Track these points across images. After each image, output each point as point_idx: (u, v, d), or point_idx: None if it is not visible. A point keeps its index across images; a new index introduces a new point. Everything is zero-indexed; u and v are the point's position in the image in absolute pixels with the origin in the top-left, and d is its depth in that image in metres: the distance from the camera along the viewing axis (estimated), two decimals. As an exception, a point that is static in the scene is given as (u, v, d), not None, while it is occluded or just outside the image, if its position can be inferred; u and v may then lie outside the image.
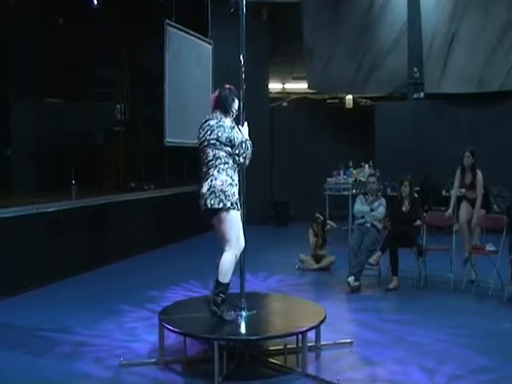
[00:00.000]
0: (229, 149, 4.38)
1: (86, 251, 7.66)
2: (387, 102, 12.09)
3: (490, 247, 6.63)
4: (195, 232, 10.09)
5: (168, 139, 9.74)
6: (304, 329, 4.25)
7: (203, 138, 4.45)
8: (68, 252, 7.26)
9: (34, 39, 10.07)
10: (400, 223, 6.91)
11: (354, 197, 8.08)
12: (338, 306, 6.01)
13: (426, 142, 11.23)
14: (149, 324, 5.24)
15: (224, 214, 4.34)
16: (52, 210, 7.13)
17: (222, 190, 4.31)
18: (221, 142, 4.37)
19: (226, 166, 4.38)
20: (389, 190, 10.52)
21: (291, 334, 4.32)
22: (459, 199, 7.27)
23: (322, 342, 4.64)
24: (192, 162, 10.32)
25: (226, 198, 4.31)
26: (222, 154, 4.37)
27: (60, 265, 7.09)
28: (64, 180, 9.89)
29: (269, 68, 12.90)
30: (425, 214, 7.28)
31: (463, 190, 7.19)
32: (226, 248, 4.40)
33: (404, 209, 6.99)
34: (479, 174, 6.91)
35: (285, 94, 13.68)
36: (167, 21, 9.72)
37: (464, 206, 7.11)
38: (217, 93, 4.58)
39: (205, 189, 4.36)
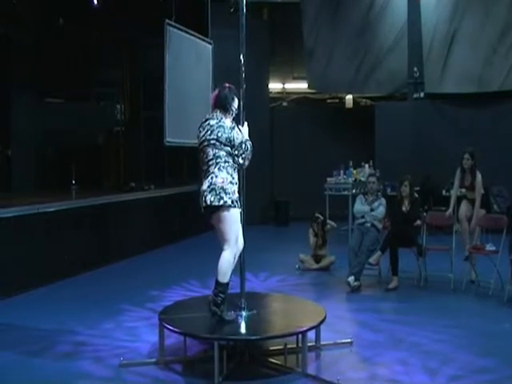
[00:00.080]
0: (228, 149, 4.38)
1: (85, 251, 7.66)
2: (387, 102, 12.08)
3: (490, 247, 6.63)
4: (195, 232, 10.09)
5: (168, 139, 9.74)
6: (304, 329, 4.25)
7: (203, 138, 4.44)
8: (68, 252, 7.26)
9: (34, 39, 10.08)
10: (400, 223, 6.91)
11: (354, 197, 8.08)
12: (338, 306, 6.01)
13: (426, 142, 11.23)
14: (149, 324, 5.24)
15: (224, 212, 4.33)
16: (52, 209, 7.13)
17: (222, 188, 4.31)
18: (221, 142, 4.36)
19: (227, 164, 4.38)
20: (389, 190, 10.52)
21: (291, 334, 4.32)
22: (459, 198, 7.28)
23: (322, 342, 4.64)
24: (192, 162, 10.32)
25: (226, 195, 4.30)
26: (222, 153, 4.37)
27: (60, 265, 7.09)
28: (64, 180, 9.91)
29: (269, 68, 12.90)
30: (425, 214, 7.28)
31: (463, 190, 7.20)
32: (225, 247, 4.40)
33: (404, 209, 6.99)
34: (479, 175, 6.90)
35: (285, 93, 13.67)
36: (167, 21, 9.71)
37: (464, 204, 7.11)
38: (217, 92, 4.58)
39: (205, 186, 4.36)
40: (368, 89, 12.23)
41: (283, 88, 13.64)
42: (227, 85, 4.59)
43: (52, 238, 7.06)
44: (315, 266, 7.90)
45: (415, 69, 11.42)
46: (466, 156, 6.93)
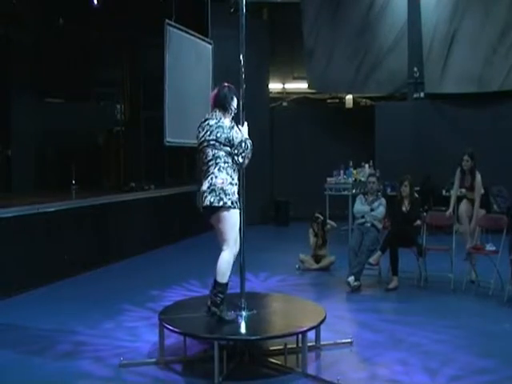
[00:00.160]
0: (228, 149, 4.37)
1: (85, 251, 7.66)
2: (387, 102, 12.08)
3: (490, 247, 6.62)
4: (195, 232, 10.09)
5: (168, 139, 9.74)
6: (304, 329, 4.25)
7: (203, 138, 4.44)
8: (68, 252, 7.26)
9: (34, 39, 10.09)
10: (400, 223, 6.91)
11: (354, 197, 8.08)
12: (338, 306, 6.01)
13: (425, 141, 11.23)
14: (149, 323, 5.24)
15: (224, 213, 4.33)
16: (52, 209, 7.13)
17: (222, 189, 4.31)
18: (220, 143, 4.36)
19: (226, 164, 4.37)
20: (389, 190, 10.53)
21: (291, 334, 4.32)
22: (459, 198, 7.27)
23: (322, 342, 4.64)
24: (192, 162, 10.32)
25: (225, 196, 4.30)
26: (222, 153, 4.37)
27: (60, 265, 7.09)
28: (64, 180, 9.92)
29: (269, 68, 12.90)
30: (425, 214, 7.28)
31: (463, 190, 7.20)
32: (224, 247, 4.40)
33: (404, 209, 6.99)
34: (478, 176, 6.88)
35: (285, 94, 13.67)
36: (167, 21, 9.72)
37: (464, 203, 7.11)
38: (216, 91, 4.58)
39: (205, 186, 4.36)
40: (368, 89, 12.23)
41: (283, 88, 13.64)
42: (226, 84, 4.59)
43: (52, 238, 7.06)
44: (315, 266, 7.90)
45: (415, 69, 11.42)
46: (466, 157, 6.92)
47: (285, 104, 13.57)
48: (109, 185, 10.53)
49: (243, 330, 4.44)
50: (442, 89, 11.40)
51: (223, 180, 4.32)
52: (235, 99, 4.57)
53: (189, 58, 10.46)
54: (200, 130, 4.49)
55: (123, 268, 8.02)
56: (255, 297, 5.17)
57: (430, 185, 10.81)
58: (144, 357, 4.53)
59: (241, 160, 4.41)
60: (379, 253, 6.77)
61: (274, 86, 13.41)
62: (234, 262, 4.50)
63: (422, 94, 11.52)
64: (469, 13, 11.15)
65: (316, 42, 12.24)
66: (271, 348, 4.56)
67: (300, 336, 4.28)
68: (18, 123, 9.81)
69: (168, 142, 9.77)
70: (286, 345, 4.42)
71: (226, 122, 4.45)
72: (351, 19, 11.99)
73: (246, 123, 4.62)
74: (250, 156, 4.45)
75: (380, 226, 7.07)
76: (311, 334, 4.47)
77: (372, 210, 7.09)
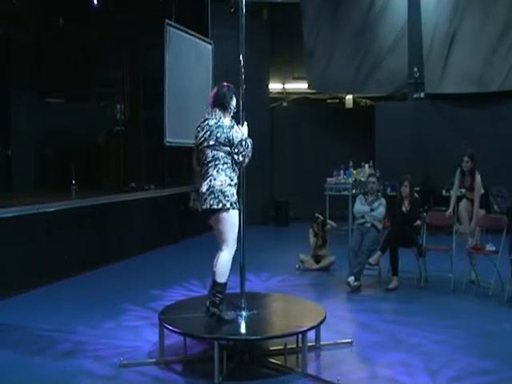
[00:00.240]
0: (228, 148, 4.37)
1: (85, 251, 7.66)
2: (387, 102, 12.08)
3: (490, 247, 6.63)
4: (195, 232, 10.09)
5: (168, 139, 9.74)
6: (304, 329, 4.25)
7: (202, 139, 4.43)
8: (68, 252, 7.26)
9: (34, 39, 10.09)
10: (400, 223, 6.91)
11: (354, 197, 8.08)
12: (338, 306, 6.00)
13: (425, 142, 11.23)
14: (149, 323, 5.24)
15: (223, 214, 4.33)
16: (52, 209, 7.13)
17: (221, 191, 4.30)
18: (220, 143, 4.35)
19: (225, 166, 4.37)
20: (389, 190, 10.54)
21: (291, 334, 4.32)
22: (459, 198, 7.27)
23: (322, 342, 4.64)
24: (192, 162, 10.32)
25: (224, 198, 4.30)
26: (221, 154, 4.36)
27: (60, 265, 7.09)
28: (64, 180, 9.92)
29: (269, 68, 12.90)
30: (425, 214, 7.28)
31: (463, 191, 7.20)
32: (223, 247, 4.40)
33: (404, 209, 6.99)
34: (478, 176, 6.88)
35: (285, 94, 13.67)
36: (167, 21, 9.71)
37: (464, 202, 7.11)
38: (215, 90, 4.57)
39: (204, 188, 4.36)
40: (368, 89, 12.23)
41: (283, 88, 13.64)
42: (225, 84, 4.59)
43: (52, 238, 7.06)
44: (315, 266, 7.90)
45: (415, 69, 11.42)
46: (466, 158, 6.91)
47: (285, 104, 13.57)
48: (109, 185, 10.53)
49: (243, 329, 4.44)
50: (442, 89, 11.41)
51: (222, 182, 4.32)
52: (234, 98, 4.56)
53: (189, 58, 10.46)
54: (199, 129, 4.48)
55: (123, 268, 8.02)
56: (255, 297, 5.17)
57: (429, 185, 10.81)
58: (144, 357, 4.53)
59: (241, 159, 4.40)
60: (379, 253, 6.77)
61: (274, 86, 13.41)
62: (234, 262, 4.51)
63: (422, 94, 11.52)
64: (469, 13, 11.16)
65: (316, 42, 12.24)
66: (271, 348, 4.56)
67: (300, 336, 4.28)
68: (18, 123, 9.81)
69: (168, 142, 9.77)
70: (285, 345, 4.42)
71: (226, 121, 4.44)
72: (351, 19, 11.99)
73: (245, 123, 4.61)
74: (250, 155, 4.44)
75: (380, 226, 7.07)
76: (311, 334, 4.47)
77: (372, 210, 7.09)
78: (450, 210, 7.12)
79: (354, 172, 10.43)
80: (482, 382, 4.09)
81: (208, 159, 4.39)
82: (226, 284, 4.39)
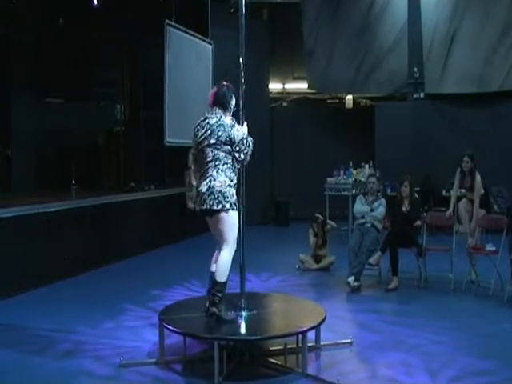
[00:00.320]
0: (228, 147, 4.36)
1: (85, 251, 7.66)
2: (387, 102, 12.08)
3: (490, 247, 6.63)
4: (195, 232, 10.08)
5: (168, 139, 9.74)
6: (304, 329, 4.25)
7: (202, 137, 4.42)
8: (68, 252, 7.26)
9: (34, 39, 10.09)
10: (400, 223, 6.91)
11: (354, 197, 8.08)
12: (338, 306, 6.01)
13: (425, 142, 11.23)
14: (149, 323, 5.24)
15: (223, 215, 4.33)
16: (52, 209, 7.13)
17: (220, 192, 4.30)
18: (221, 142, 4.35)
19: (225, 166, 4.37)
20: (389, 190, 10.54)
21: (291, 334, 4.32)
22: (459, 198, 7.27)
23: (322, 343, 4.64)
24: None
25: (224, 199, 4.30)
26: (222, 154, 4.36)
27: (60, 265, 7.09)
28: (64, 180, 9.92)
29: (269, 68, 12.90)
30: (425, 214, 7.28)
31: (463, 191, 7.20)
32: (223, 247, 4.40)
33: (404, 209, 6.99)
34: (478, 177, 6.88)
35: (285, 94, 13.67)
36: (167, 21, 9.72)
37: (464, 201, 7.11)
38: (215, 89, 4.57)
39: (204, 188, 4.35)
40: (368, 89, 12.23)
41: (283, 88, 13.64)
42: (225, 83, 4.59)
43: (52, 238, 7.06)
44: (315, 266, 7.90)
45: (415, 69, 11.42)
46: (466, 159, 6.91)
47: (285, 104, 13.57)
48: (109, 185, 10.53)
49: (243, 330, 4.44)
50: (442, 89, 11.41)
51: (222, 183, 4.32)
52: (234, 98, 4.56)
53: (189, 58, 10.46)
54: (199, 128, 4.47)
55: (123, 268, 8.02)
56: (255, 297, 5.17)
57: (430, 185, 10.81)
58: (144, 356, 4.53)
59: (242, 157, 4.39)
60: (379, 253, 6.76)
61: (274, 86, 13.41)
62: (234, 262, 4.51)
63: (421, 94, 11.52)
64: (469, 13, 11.16)
65: (316, 42, 12.24)
66: (271, 348, 4.56)
67: (300, 336, 4.28)
68: (18, 123, 9.81)
69: (168, 142, 9.77)
70: (286, 345, 4.42)
71: (227, 120, 4.43)
72: (351, 19, 11.99)
73: (245, 123, 4.61)
74: (251, 153, 4.44)
75: (380, 226, 7.07)
76: (311, 335, 4.47)
77: (372, 210, 7.09)
78: (450, 210, 7.12)
79: (354, 172, 10.43)
80: (482, 382, 4.09)
81: (208, 159, 4.39)
82: (225, 283, 4.39)
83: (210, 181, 4.33)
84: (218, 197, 4.29)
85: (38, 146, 10.39)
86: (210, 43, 11.23)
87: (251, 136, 4.51)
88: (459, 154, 7.06)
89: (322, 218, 8.11)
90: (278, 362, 4.35)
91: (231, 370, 4.11)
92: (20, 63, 9.80)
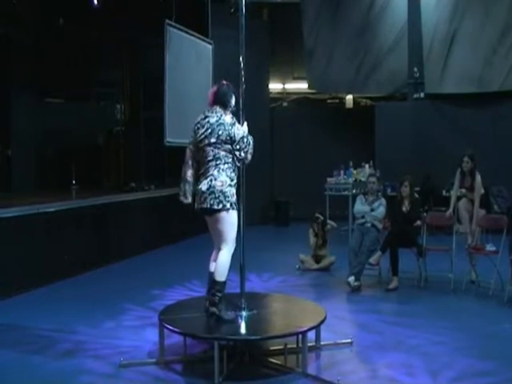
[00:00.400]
0: (229, 146, 4.36)
1: (85, 251, 7.66)
2: (387, 102, 12.08)
3: (490, 247, 6.63)
4: (195, 232, 10.08)
5: (168, 139, 9.74)
6: (304, 329, 4.25)
7: (202, 136, 4.41)
8: (68, 252, 7.26)
9: (34, 39, 10.09)
10: (400, 223, 6.91)
11: (354, 197, 8.07)
12: (339, 306, 6.00)
13: (425, 142, 11.23)
14: (149, 323, 5.24)
15: (223, 215, 4.33)
16: (52, 209, 7.13)
17: (221, 191, 4.30)
18: (222, 141, 4.35)
19: (226, 165, 4.37)
20: (389, 190, 10.53)
21: (291, 334, 4.32)
22: (459, 198, 7.27)
23: (322, 343, 4.64)
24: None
25: (225, 199, 4.30)
26: (222, 153, 4.36)
27: (60, 265, 7.09)
28: (64, 180, 9.93)
29: (269, 68, 12.90)
30: (425, 214, 7.28)
31: (463, 191, 7.20)
32: (223, 247, 4.40)
33: (404, 209, 6.99)
34: (478, 177, 6.87)
35: (285, 94, 13.67)
36: (167, 21, 9.71)
37: (464, 201, 7.10)
38: (215, 88, 4.57)
39: (204, 187, 4.35)
40: (368, 89, 12.23)
41: (283, 88, 13.64)
42: (225, 82, 4.59)
43: (52, 238, 7.06)
44: (315, 266, 7.90)
45: (415, 69, 11.42)
46: (466, 159, 6.91)
47: (285, 104, 13.57)
48: (109, 185, 10.53)
49: (243, 330, 4.45)
50: (442, 89, 11.41)
51: (223, 182, 4.32)
52: (234, 97, 4.57)
53: (189, 58, 10.46)
54: (199, 126, 4.46)
55: (123, 268, 8.02)
56: (255, 297, 5.17)
57: (430, 185, 10.81)
58: (144, 356, 4.53)
59: (243, 155, 4.40)
60: (379, 253, 6.76)
61: (274, 86, 13.42)
62: (234, 262, 4.51)
63: (422, 94, 11.52)
64: (469, 13, 11.16)
65: (316, 42, 12.24)
66: (271, 348, 4.56)
67: (300, 336, 4.28)
68: (18, 123, 9.81)
69: (168, 142, 9.76)
70: (286, 345, 4.42)
71: (227, 118, 4.43)
72: (351, 19, 11.99)
73: (245, 123, 4.62)
74: (252, 152, 4.44)
75: (380, 226, 7.07)
76: (311, 335, 4.47)
77: (372, 210, 7.09)
78: (450, 210, 7.11)
79: (354, 172, 10.43)
80: (483, 383, 4.09)
81: (209, 158, 4.38)
82: (225, 283, 4.39)
83: (211, 180, 4.33)
84: (219, 196, 4.30)
85: (38, 146, 10.39)
86: (210, 43, 11.23)
87: (251, 135, 4.51)
88: (459, 154, 7.06)
89: (322, 217, 8.11)
90: (278, 362, 4.35)
91: (231, 370, 4.11)
92: (20, 63, 9.81)
